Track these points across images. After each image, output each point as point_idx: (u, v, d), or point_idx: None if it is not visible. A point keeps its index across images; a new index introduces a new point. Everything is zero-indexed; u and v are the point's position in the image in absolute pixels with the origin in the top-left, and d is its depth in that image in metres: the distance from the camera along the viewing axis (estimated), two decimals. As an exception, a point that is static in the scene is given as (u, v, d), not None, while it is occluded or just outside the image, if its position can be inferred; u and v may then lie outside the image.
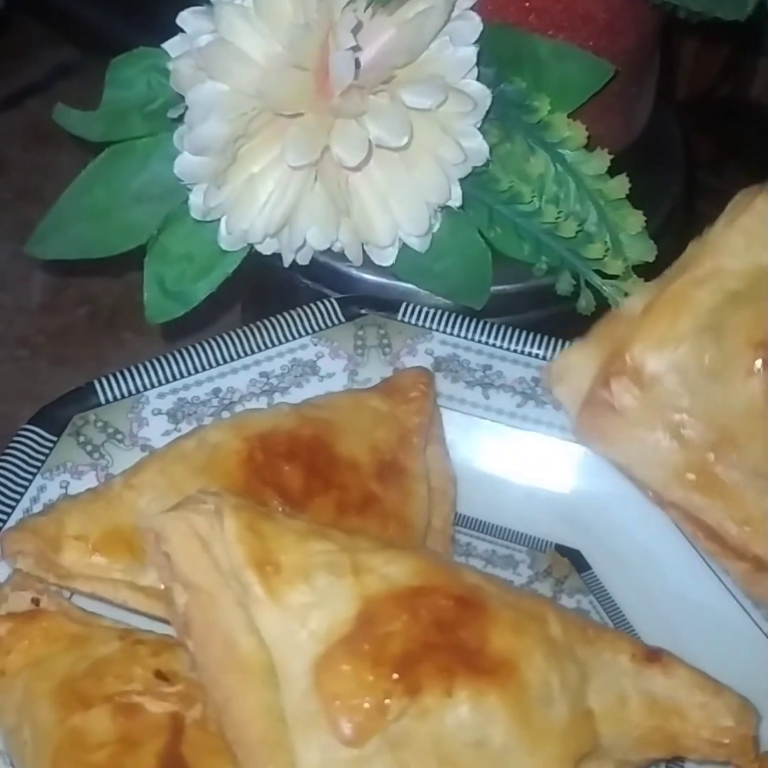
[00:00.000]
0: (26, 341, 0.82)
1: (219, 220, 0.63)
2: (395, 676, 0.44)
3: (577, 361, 0.56)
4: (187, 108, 0.60)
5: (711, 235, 0.54)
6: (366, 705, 0.43)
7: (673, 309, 0.53)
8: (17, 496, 0.55)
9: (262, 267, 0.66)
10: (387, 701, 0.43)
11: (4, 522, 0.54)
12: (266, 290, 0.70)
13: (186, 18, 0.60)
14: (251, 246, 0.64)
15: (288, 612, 0.45)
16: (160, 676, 0.48)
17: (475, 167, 0.61)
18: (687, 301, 0.52)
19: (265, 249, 0.63)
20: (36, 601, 0.52)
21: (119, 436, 0.58)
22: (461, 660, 0.45)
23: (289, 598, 0.45)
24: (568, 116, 0.62)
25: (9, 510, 0.54)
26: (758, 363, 0.50)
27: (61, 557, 0.51)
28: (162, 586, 0.50)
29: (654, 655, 0.50)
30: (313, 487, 0.54)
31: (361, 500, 0.54)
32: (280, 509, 0.53)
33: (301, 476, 0.54)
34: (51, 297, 0.85)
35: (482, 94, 0.60)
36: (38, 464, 0.56)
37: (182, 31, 0.60)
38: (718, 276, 0.53)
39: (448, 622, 0.46)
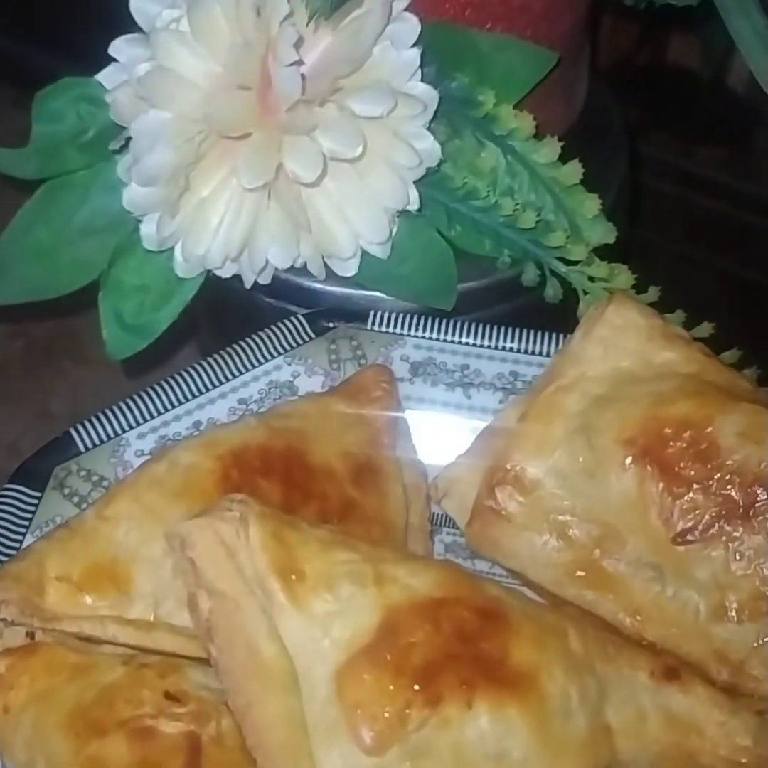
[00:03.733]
0: (-36, 381, 0.79)
1: (172, 248, 0.61)
2: (416, 686, 0.44)
3: (461, 475, 0.57)
4: (129, 139, 0.58)
5: (571, 347, 0.57)
6: (387, 714, 0.44)
7: (546, 417, 0.55)
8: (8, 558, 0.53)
9: (220, 288, 0.64)
10: (408, 711, 0.44)
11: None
12: (227, 312, 0.69)
13: (119, 47, 0.58)
14: (209, 270, 0.63)
15: (311, 620, 0.45)
16: (170, 697, 0.48)
17: (428, 168, 0.61)
18: (557, 409, 0.55)
19: (225, 272, 0.62)
20: (31, 635, 0.51)
21: (105, 483, 0.56)
22: (482, 672, 0.45)
23: (312, 606, 0.45)
24: (514, 107, 0.62)
25: (2, 573, 0.53)
26: (628, 459, 0.52)
27: (46, 600, 0.50)
28: (151, 618, 0.50)
29: (673, 672, 0.50)
30: (293, 499, 0.53)
31: (342, 507, 0.54)
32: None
33: (279, 490, 0.53)
34: (-18, 335, 0.82)
35: (429, 95, 0.59)
36: (26, 523, 0.54)
37: (115, 60, 0.59)
38: (582, 382, 0.55)
39: (469, 634, 0.46)
